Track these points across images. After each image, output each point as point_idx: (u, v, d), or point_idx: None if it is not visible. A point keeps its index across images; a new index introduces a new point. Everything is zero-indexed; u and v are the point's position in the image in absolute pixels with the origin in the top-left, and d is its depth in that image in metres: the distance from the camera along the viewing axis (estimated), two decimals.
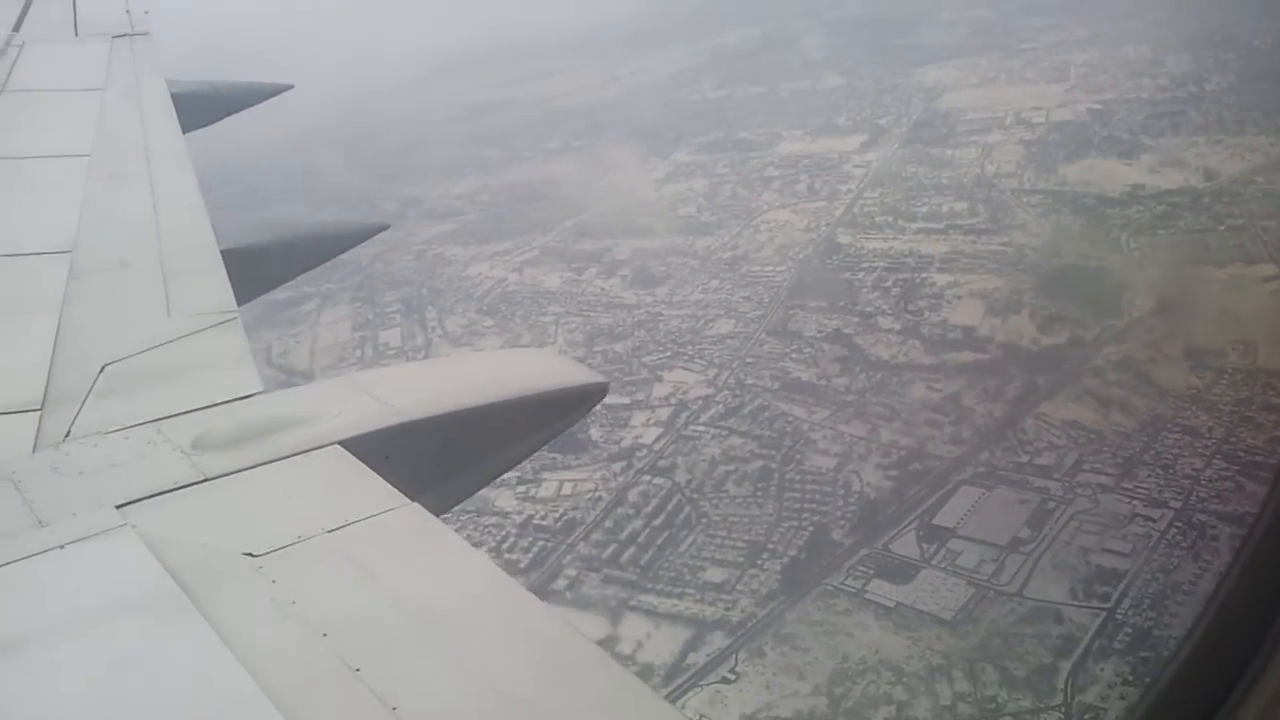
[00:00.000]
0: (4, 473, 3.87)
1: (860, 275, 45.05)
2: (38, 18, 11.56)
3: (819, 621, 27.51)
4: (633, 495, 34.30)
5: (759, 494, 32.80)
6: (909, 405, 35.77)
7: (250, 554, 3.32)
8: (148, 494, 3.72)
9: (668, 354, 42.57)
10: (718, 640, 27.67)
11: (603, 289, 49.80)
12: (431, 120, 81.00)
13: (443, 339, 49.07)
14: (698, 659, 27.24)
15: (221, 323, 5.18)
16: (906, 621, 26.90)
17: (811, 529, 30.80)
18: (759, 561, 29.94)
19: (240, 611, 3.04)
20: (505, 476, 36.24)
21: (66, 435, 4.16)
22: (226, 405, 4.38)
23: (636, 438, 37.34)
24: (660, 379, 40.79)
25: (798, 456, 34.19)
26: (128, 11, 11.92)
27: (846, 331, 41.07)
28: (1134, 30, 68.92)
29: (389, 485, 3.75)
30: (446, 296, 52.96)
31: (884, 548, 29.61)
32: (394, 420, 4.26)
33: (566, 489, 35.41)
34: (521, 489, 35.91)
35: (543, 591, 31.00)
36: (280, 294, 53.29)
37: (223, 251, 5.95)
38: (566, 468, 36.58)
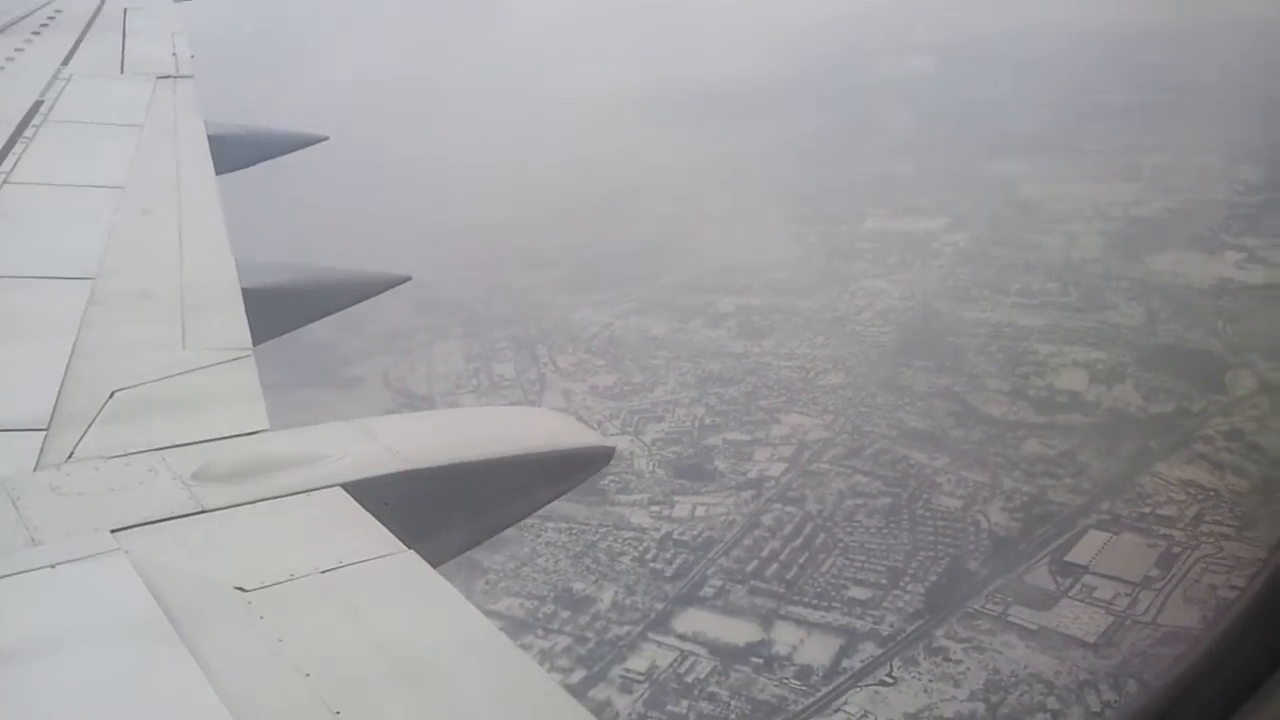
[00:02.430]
0: (3, 488, 3.86)
1: (964, 340, 47.65)
2: (87, 54, 12.11)
3: (966, 639, 29.54)
4: (766, 520, 36.46)
5: (891, 526, 34.99)
6: (1026, 457, 38.07)
7: (241, 588, 3.34)
8: (144, 521, 3.72)
9: (782, 399, 44.97)
10: (870, 649, 29.69)
11: (710, 338, 52.46)
12: (522, 177, 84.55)
13: (556, 373, 51.61)
14: (852, 664, 29.24)
15: (235, 359, 5.20)
16: (1051, 642, 28.94)
17: (947, 559, 32.93)
18: (900, 584, 32.05)
19: (225, 645, 3.06)
20: (637, 496, 38.71)
21: (69, 456, 4.20)
22: (232, 440, 4.42)
23: (762, 470, 39.58)
24: (778, 420, 43.12)
25: (924, 496, 36.40)
26: (174, 54, 12.47)
27: (957, 389, 43.53)
28: (1203, 141, 72.24)
29: (387, 531, 3.77)
30: (555, 336, 55.59)
31: (1019, 579, 31.71)
32: (398, 467, 4.30)
33: (700, 511, 37.61)
34: (655, 508, 38.18)
35: (690, 599, 33.15)
36: (388, 325, 56.32)
37: (243, 290, 6.01)
38: (696, 493, 38.87)
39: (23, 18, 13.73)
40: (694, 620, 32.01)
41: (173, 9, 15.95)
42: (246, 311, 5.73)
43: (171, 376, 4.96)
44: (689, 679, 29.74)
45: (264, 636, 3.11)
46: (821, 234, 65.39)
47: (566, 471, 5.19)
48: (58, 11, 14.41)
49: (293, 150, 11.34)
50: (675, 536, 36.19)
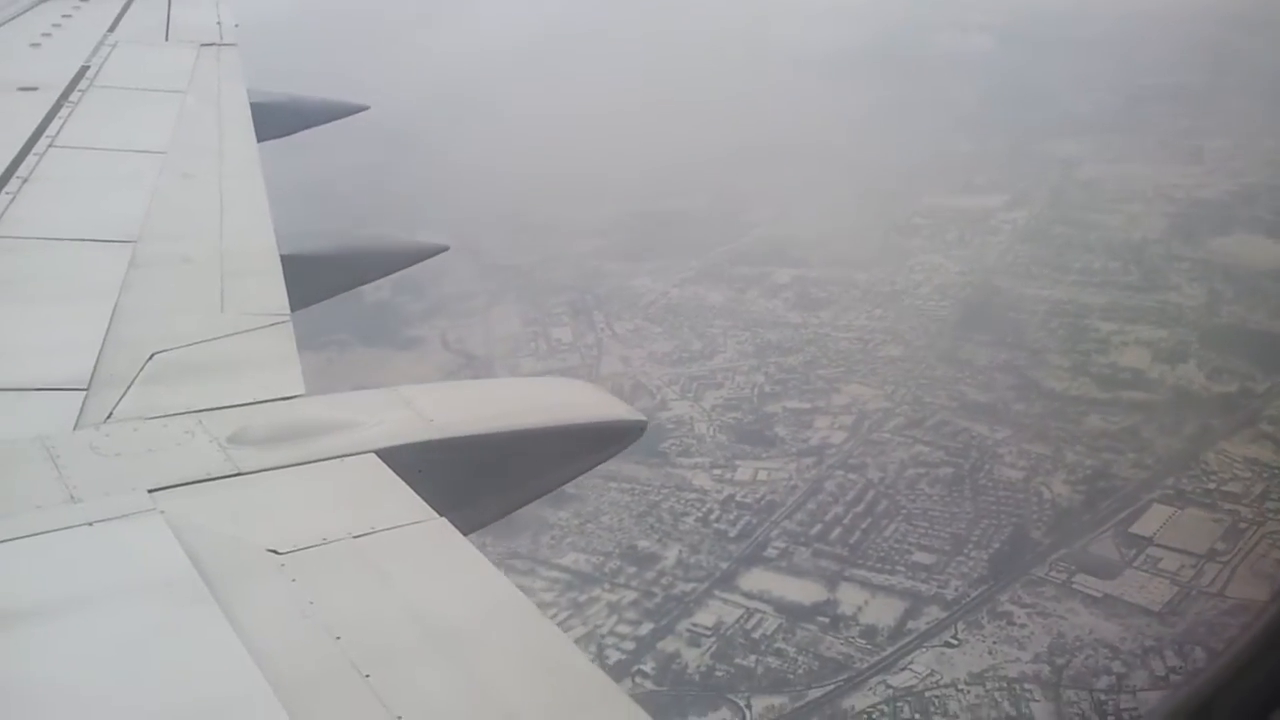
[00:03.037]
0: (43, 446, 3.94)
1: (1024, 316, 47.71)
2: (132, 21, 12.12)
3: (1030, 604, 29.98)
4: (828, 486, 36.95)
5: (954, 494, 35.39)
6: (1088, 432, 38.26)
7: (274, 551, 3.39)
8: (181, 482, 3.79)
9: (841, 369, 45.31)
10: (934, 612, 30.21)
11: (767, 308, 52.82)
12: (571, 145, 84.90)
13: (613, 339, 52.19)
14: (918, 625, 29.81)
15: (273, 324, 5.25)
16: (1116, 610, 29.32)
17: (1010, 528, 33.31)
18: (964, 550, 32.51)
19: (257, 606, 3.11)
20: (698, 459, 39.25)
21: (108, 417, 4.25)
22: (268, 404, 4.47)
23: (824, 438, 40.03)
24: (838, 390, 43.50)
25: (986, 467, 36.74)
26: (218, 23, 12.47)
27: (1017, 364, 43.68)
28: (1266, 124, 71.22)
29: (419, 498, 3.80)
30: (612, 303, 56.12)
31: (1083, 549, 32.03)
32: (431, 435, 4.34)
33: (761, 475, 38.15)
34: (716, 472, 38.76)
35: (754, 559, 33.74)
36: (444, 289, 56.91)
37: (282, 257, 6.05)
38: (757, 458, 39.40)
39: None
40: (759, 579, 32.64)
41: None
42: (285, 278, 5.75)
43: (210, 340, 5.02)
44: (756, 635, 30.39)
45: (295, 599, 3.16)
46: (879, 208, 65.21)
47: (599, 444, 5.20)
48: None
49: (335, 119, 11.38)
50: (738, 499, 36.78)
